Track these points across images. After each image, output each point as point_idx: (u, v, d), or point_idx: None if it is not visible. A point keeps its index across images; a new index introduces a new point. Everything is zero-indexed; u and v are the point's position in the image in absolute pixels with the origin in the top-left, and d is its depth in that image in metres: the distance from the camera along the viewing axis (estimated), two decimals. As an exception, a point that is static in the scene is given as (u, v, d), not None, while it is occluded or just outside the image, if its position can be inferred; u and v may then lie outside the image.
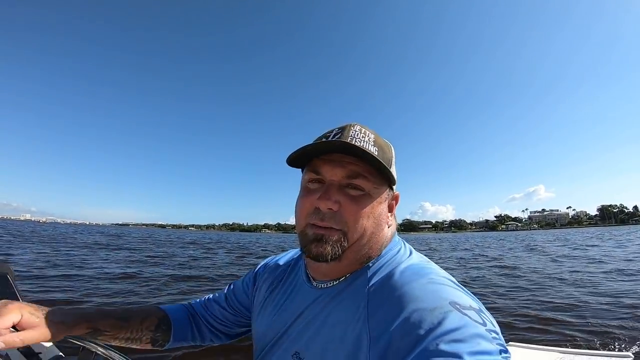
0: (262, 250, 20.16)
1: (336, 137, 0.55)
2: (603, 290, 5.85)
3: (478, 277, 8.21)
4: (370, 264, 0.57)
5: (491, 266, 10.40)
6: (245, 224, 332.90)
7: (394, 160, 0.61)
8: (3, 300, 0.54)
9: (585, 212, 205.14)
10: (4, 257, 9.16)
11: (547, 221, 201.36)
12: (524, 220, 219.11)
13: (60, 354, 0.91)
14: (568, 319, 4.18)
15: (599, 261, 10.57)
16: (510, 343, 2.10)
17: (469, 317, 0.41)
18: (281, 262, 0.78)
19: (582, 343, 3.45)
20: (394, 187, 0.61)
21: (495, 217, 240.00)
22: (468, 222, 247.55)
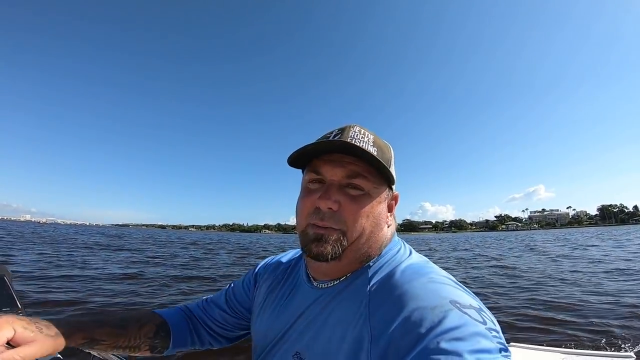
0: (263, 250, 20.19)
1: (336, 137, 0.56)
2: (604, 290, 5.84)
3: (478, 277, 8.21)
4: (371, 264, 0.57)
5: (491, 266, 10.40)
6: (245, 225, 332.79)
7: (393, 160, 0.61)
8: None
9: (586, 212, 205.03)
10: (4, 258, 9.18)
11: (547, 221, 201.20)
12: (524, 220, 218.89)
13: (59, 355, 0.90)
14: (569, 319, 4.18)
15: (600, 261, 10.57)
16: (511, 344, 2.08)
17: (469, 315, 0.42)
18: (281, 262, 0.78)
19: (583, 343, 3.44)
20: (394, 187, 0.62)
21: (496, 217, 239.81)
22: (468, 222, 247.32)
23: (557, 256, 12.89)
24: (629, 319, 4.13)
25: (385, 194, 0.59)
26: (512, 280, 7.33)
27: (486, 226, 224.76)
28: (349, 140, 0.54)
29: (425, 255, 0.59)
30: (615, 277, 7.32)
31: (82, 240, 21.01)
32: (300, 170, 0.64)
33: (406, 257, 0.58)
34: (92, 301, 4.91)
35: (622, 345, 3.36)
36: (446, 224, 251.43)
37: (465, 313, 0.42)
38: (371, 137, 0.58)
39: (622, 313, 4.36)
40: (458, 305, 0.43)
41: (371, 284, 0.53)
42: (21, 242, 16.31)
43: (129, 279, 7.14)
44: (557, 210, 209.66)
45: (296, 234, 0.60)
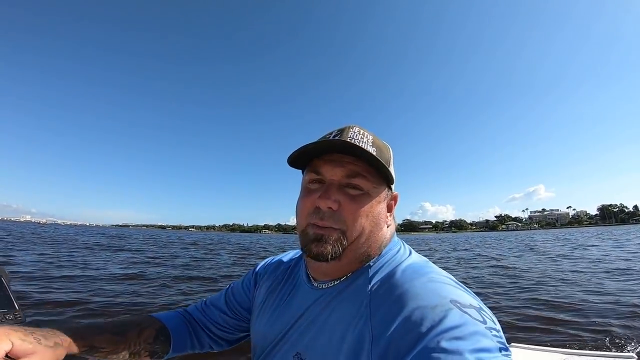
0: (264, 250, 20.20)
1: (336, 138, 0.56)
2: (605, 290, 5.84)
3: (478, 276, 8.22)
4: (371, 263, 0.57)
5: (491, 266, 10.41)
6: (245, 225, 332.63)
7: (392, 161, 0.62)
8: None
9: (586, 211, 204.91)
10: (5, 259, 9.19)
11: (547, 221, 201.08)
12: (524, 220, 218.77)
13: None
14: (570, 319, 4.17)
15: (600, 260, 10.58)
16: (512, 344, 2.08)
17: (469, 315, 0.42)
18: (281, 263, 0.77)
19: (584, 343, 3.42)
20: (393, 187, 0.62)
21: (496, 217, 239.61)
22: (468, 222, 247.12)
23: (557, 256, 12.90)
24: (630, 318, 4.12)
25: (385, 193, 0.59)
26: (513, 280, 7.33)
27: (486, 226, 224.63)
28: (348, 140, 0.54)
29: (426, 256, 0.60)
30: (616, 276, 7.32)
31: (83, 241, 21.01)
32: (300, 171, 0.64)
33: (406, 256, 0.58)
34: (94, 301, 4.92)
35: (625, 345, 3.34)
36: (446, 224, 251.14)
37: (466, 312, 0.42)
38: (370, 137, 0.59)
39: (624, 313, 4.34)
40: (458, 305, 0.43)
41: (372, 283, 0.53)
42: (22, 242, 16.32)
43: (130, 279, 7.15)
44: (557, 210, 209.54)
45: (296, 234, 0.60)
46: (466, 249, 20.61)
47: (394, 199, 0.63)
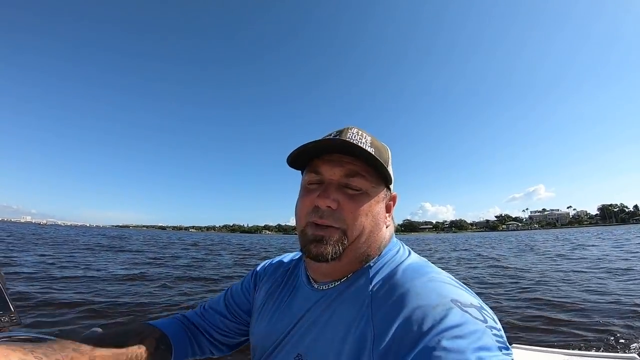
0: (265, 251, 20.20)
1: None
2: (606, 290, 5.83)
3: (478, 276, 8.23)
4: (372, 264, 0.57)
5: (492, 266, 10.42)
6: (245, 226, 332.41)
7: (390, 161, 0.62)
8: None
9: (586, 211, 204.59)
10: (7, 260, 9.21)
11: (547, 221, 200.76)
12: (524, 220, 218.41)
13: None
14: (571, 319, 4.16)
15: (601, 260, 10.58)
16: (513, 345, 2.07)
17: (470, 314, 0.42)
18: (281, 265, 0.77)
19: (586, 343, 3.41)
20: (391, 187, 0.62)
21: (496, 217, 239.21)
22: (468, 222, 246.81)
23: (557, 256, 12.91)
24: (632, 318, 4.10)
25: (384, 193, 0.59)
26: (513, 280, 7.34)
27: (486, 226, 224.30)
28: (347, 140, 0.55)
29: (426, 256, 0.61)
30: (618, 276, 7.32)
31: (84, 242, 21.05)
32: (300, 172, 0.64)
33: (406, 257, 0.59)
34: (97, 302, 4.94)
35: (627, 345, 3.33)
36: (446, 224, 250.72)
37: (466, 311, 0.42)
38: (369, 138, 0.59)
39: (626, 313, 4.33)
40: (459, 304, 0.43)
41: (373, 283, 0.53)
42: (23, 243, 16.36)
43: (133, 280, 7.17)
44: (558, 210, 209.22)
45: (297, 234, 0.60)
46: (466, 249, 20.60)
47: (393, 199, 0.63)
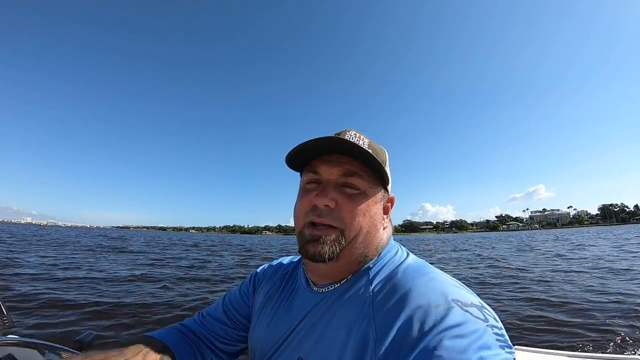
0: (266, 252, 20.21)
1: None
2: (609, 290, 5.80)
3: (479, 277, 8.23)
4: (371, 265, 0.57)
5: (492, 266, 10.42)
6: (245, 226, 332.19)
7: (388, 163, 0.63)
8: None
9: (586, 211, 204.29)
10: (9, 261, 9.23)
11: (548, 221, 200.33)
12: (525, 220, 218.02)
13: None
14: (573, 320, 4.14)
15: (602, 260, 10.58)
16: (515, 346, 2.03)
17: (471, 313, 0.43)
18: (279, 268, 0.77)
19: (588, 344, 3.37)
20: (389, 189, 0.62)
21: (496, 217, 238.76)
22: (469, 222, 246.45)
23: (558, 256, 12.91)
24: (635, 318, 4.08)
25: (381, 194, 0.60)
26: (514, 281, 7.34)
27: (487, 226, 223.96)
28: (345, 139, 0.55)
29: (426, 256, 0.80)
30: (620, 276, 7.31)
31: (85, 243, 21.08)
32: (299, 174, 0.65)
33: (404, 258, 0.59)
34: (101, 302, 4.97)
35: (631, 346, 3.31)
36: (447, 225, 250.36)
37: (467, 311, 0.43)
38: (366, 140, 0.59)
39: (628, 313, 4.30)
40: (460, 303, 0.44)
41: (374, 285, 0.54)
42: (24, 244, 16.39)
43: (136, 280, 7.20)
44: (558, 210, 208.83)
45: (296, 235, 0.60)
46: (466, 250, 20.58)
47: (391, 201, 0.64)
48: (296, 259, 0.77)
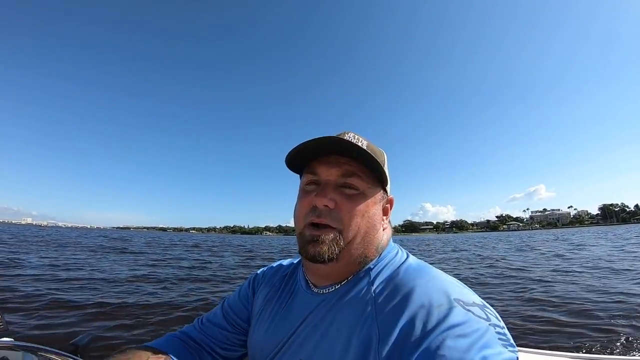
0: (267, 252, 20.20)
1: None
2: (611, 290, 5.76)
3: (479, 277, 8.23)
4: (372, 266, 0.57)
5: (492, 266, 10.40)
6: (246, 227, 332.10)
7: (386, 164, 0.63)
8: None
9: (587, 211, 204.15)
10: (12, 262, 9.24)
11: (548, 221, 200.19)
12: (525, 220, 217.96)
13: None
14: (575, 320, 4.10)
15: (604, 260, 10.55)
16: (519, 348, 2.00)
17: (473, 312, 0.43)
18: (278, 270, 0.76)
19: (591, 346, 3.33)
20: (388, 190, 0.63)
21: (497, 217, 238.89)
22: (469, 222, 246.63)
23: (558, 256, 12.87)
24: (638, 319, 4.04)
25: (380, 195, 0.60)
26: (514, 281, 7.33)
27: (487, 226, 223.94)
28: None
29: (426, 256, 0.78)
30: (621, 276, 7.28)
31: (86, 243, 21.06)
32: (299, 176, 0.65)
33: (405, 259, 0.59)
34: (105, 303, 4.97)
35: (635, 347, 3.27)
36: (447, 225, 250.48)
37: (469, 310, 0.43)
38: (365, 142, 0.60)
39: (631, 313, 4.26)
40: (461, 303, 0.44)
41: (375, 285, 0.54)
42: (25, 245, 16.37)
43: (138, 281, 7.20)
44: (558, 209, 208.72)
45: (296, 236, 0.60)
46: (467, 250, 20.54)
47: (390, 202, 0.64)
48: (296, 261, 0.76)
